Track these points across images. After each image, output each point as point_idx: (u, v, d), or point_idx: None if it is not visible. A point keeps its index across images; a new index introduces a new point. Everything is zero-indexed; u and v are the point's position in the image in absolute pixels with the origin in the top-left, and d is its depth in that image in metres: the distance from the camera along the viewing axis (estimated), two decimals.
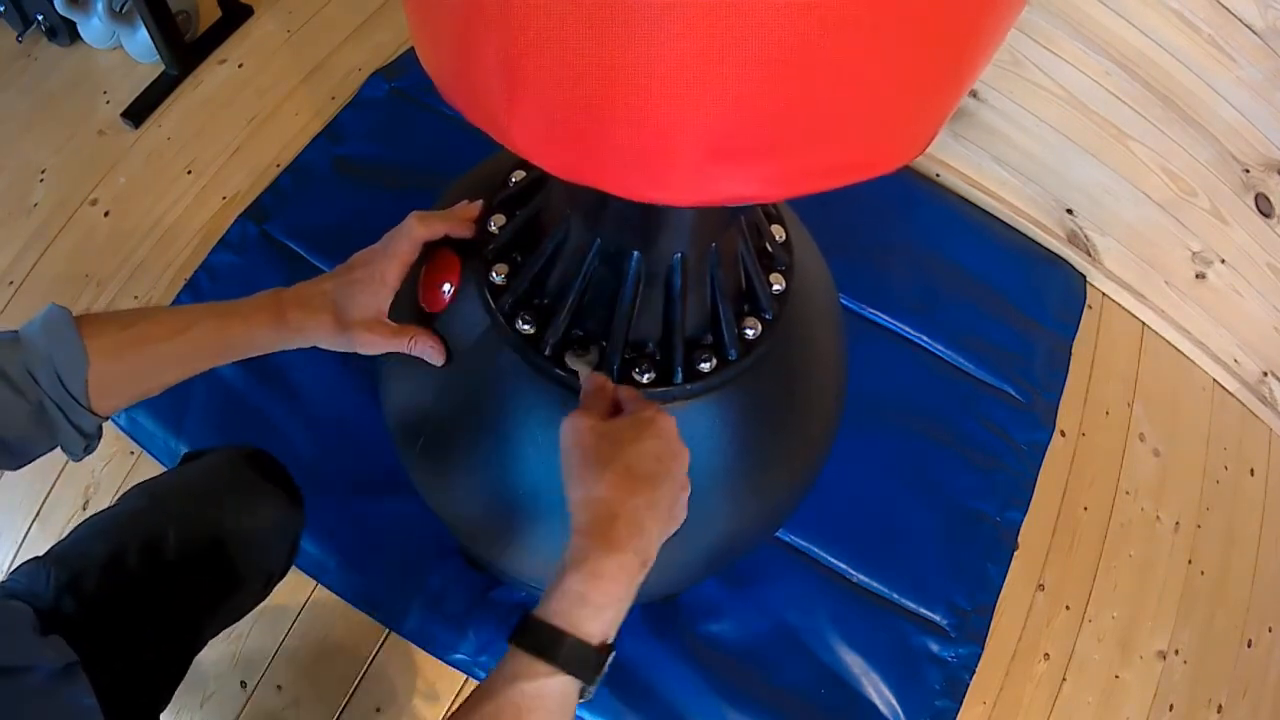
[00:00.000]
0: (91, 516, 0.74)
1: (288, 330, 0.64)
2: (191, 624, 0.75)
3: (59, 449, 0.59)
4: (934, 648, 1.13)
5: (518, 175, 0.72)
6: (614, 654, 0.50)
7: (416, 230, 0.67)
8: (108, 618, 0.68)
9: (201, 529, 0.74)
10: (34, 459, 0.58)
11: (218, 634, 0.79)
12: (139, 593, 0.70)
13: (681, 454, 0.56)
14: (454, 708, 0.59)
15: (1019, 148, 1.40)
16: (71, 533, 0.73)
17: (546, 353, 0.65)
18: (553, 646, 0.48)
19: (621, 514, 0.52)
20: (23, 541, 1.12)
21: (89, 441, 0.60)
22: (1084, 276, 1.46)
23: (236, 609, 0.80)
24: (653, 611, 1.10)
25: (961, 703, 1.10)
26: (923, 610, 1.15)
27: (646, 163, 0.39)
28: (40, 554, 0.70)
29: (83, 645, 0.61)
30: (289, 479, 0.83)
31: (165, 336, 0.60)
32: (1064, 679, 1.17)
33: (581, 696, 0.50)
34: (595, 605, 0.50)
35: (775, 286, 0.69)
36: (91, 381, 0.56)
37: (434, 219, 0.68)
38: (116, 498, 0.78)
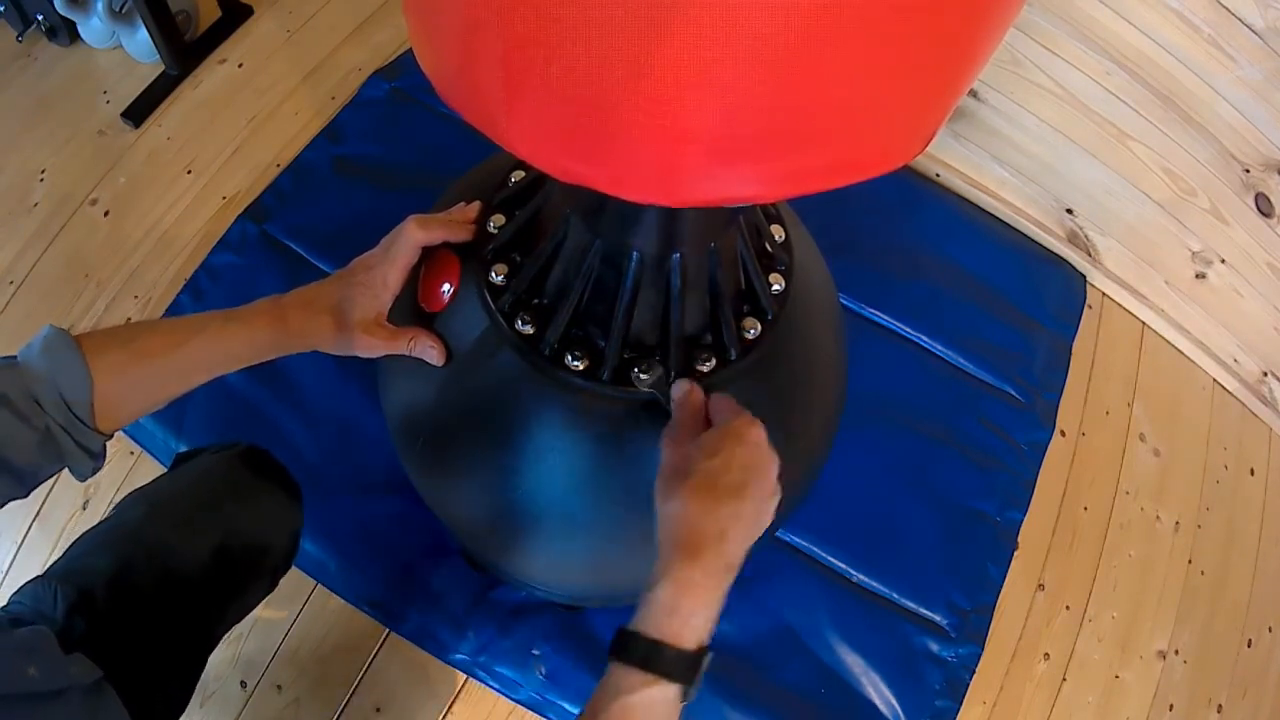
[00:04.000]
0: (90, 529, 0.74)
1: (289, 334, 0.64)
2: (203, 629, 0.75)
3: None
4: (934, 648, 1.12)
5: (517, 175, 0.72)
6: (710, 655, 0.52)
7: (415, 235, 0.67)
8: (121, 633, 0.67)
9: (204, 535, 0.73)
10: (41, 483, 0.57)
11: (227, 632, 0.80)
12: (150, 606, 0.70)
13: (770, 462, 0.57)
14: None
15: (1019, 148, 1.40)
16: (71, 546, 0.72)
17: (546, 353, 0.65)
18: (649, 656, 0.50)
19: (705, 525, 0.53)
20: (22, 542, 1.12)
21: (96, 462, 0.59)
22: (1084, 276, 1.46)
23: (244, 607, 0.81)
24: None
25: (961, 703, 1.10)
26: (923, 610, 1.14)
27: (645, 163, 0.39)
28: (41, 573, 0.70)
29: (100, 661, 0.61)
30: (285, 474, 0.83)
31: (167, 349, 0.60)
32: (1064, 679, 1.17)
33: (684, 699, 0.51)
34: (685, 613, 0.51)
35: (775, 286, 0.69)
36: (97, 401, 0.55)
37: (433, 224, 0.68)
38: (112, 506, 0.77)
